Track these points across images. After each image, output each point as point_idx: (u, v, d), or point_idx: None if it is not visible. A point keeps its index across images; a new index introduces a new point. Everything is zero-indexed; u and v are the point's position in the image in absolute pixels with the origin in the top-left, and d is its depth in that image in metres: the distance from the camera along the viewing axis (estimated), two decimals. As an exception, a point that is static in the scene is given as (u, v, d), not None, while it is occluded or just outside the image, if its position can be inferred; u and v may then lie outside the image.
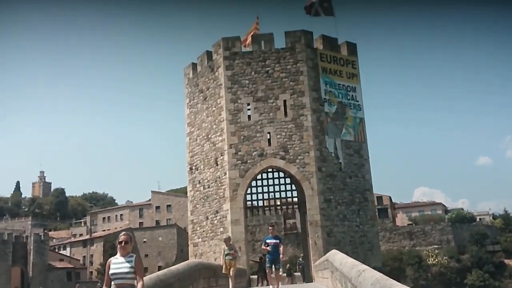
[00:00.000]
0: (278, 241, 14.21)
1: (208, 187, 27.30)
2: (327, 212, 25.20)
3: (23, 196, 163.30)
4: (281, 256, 14.09)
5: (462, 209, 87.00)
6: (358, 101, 28.18)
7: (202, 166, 28.17)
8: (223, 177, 26.08)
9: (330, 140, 26.46)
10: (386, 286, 4.96)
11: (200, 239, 27.55)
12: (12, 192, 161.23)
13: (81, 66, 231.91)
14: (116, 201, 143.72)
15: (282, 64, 26.94)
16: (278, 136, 26.04)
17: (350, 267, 7.95)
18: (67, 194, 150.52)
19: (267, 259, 14.81)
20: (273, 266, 14.37)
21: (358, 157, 27.46)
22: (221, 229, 25.76)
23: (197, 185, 28.43)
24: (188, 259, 29.85)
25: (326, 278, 14.45)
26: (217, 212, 26.28)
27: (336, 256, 11.08)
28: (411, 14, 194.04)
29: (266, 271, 14.93)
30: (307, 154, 25.68)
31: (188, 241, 29.27)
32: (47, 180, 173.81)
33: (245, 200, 26.03)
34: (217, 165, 26.72)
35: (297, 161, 25.66)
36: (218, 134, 26.94)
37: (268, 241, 14.29)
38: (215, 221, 26.37)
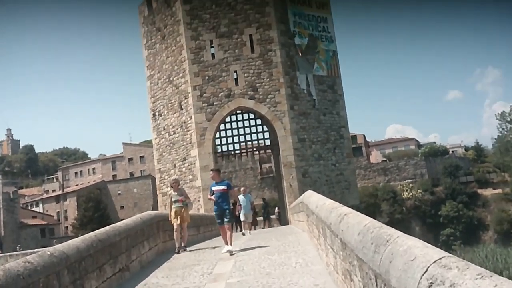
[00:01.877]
0: (225, 187, 12.93)
1: (174, 133, 25.49)
2: (302, 152, 23.86)
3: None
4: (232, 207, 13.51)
5: (435, 142, 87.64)
6: (330, 33, 26.25)
7: (166, 112, 26.20)
8: (189, 122, 24.26)
9: (301, 76, 24.70)
10: (382, 237, 3.37)
11: (168, 188, 25.95)
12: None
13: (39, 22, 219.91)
14: (88, 156, 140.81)
15: (246, -6, 24.59)
16: (246, 75, 24.13)
17: (328, 211, 6.47)
18: (36, 151, 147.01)
19: (214, 212, 13.19)
20: (224, 219, 12.91)
21: (332, 93, 25.90)
22: (190, 176, 24.25)
23: (162, 132, 26.56)
24: (158, 210, 28.60)
25: (302, 221, 13.18)
26: (184, 159, 24.65)
27: (312, 197, 9.62)
28: None
29: (222, 223, 13.87)
30: (277, 92, 23.95)
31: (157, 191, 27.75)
32: (15, 137, 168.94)
33: (214, 145, 24.41)
34: (181, 109, 24.79)
35: (268, 100, 23.96)
36: (180, 75, 24.82)
37: (213, 188, 12.65)
38: (183, 169, 24.79)
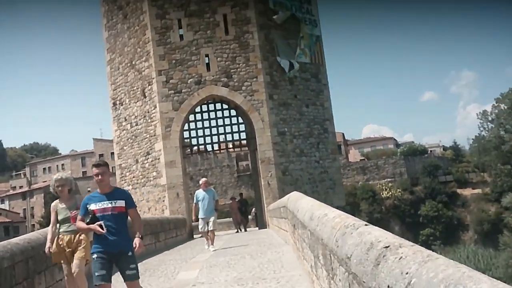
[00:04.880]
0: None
1: (136, 125, 22.41)
2: (281, 147, 21.10)
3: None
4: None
5: (413, 142, 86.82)
6: (313, 16, 23.55)
7: (127, 100, 23.08)
8: (153, 111, 21.23)
9: (284, 61, 21.92)
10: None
11: (130, 187, 22.91)
12: None
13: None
14: (59, 151, 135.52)
15: (220, -32, 21.69)
16: (219, 59, 21.25)
17: (340, 233, 3.75)
18: (5, 146, 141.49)
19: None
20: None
21: (315, 82, 23.21)
22: (154, 173, 21.25)
23: (123, 123, 23.44)
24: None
25: (284, 230, 10.44)
26: (148, 153, 21.61)
27: (300, 202, 6.87)
28: None
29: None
30: (255, 79, 21.14)
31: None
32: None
33: (182, 138, 21.43)
34: (144, 97, 21.73)
35: (243, 88, 21.13)
36: (144, 59, 21.76)
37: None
38: (147, 164, 21.75)
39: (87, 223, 4.56)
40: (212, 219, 11.34)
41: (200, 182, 12.21)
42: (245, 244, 11.89)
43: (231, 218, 23.36)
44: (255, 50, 21.24)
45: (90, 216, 4.60)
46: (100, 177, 4.67)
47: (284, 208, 9.47)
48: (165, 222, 14.81)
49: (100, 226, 4.51)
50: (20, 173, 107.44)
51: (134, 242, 4.70)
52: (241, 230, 21.05)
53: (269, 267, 7.23)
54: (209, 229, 11.37)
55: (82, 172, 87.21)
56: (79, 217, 4.80)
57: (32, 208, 79.13)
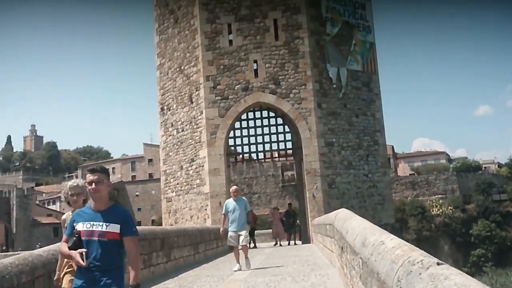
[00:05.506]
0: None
1: (182, 130, 22.21)
2: (329, 158, 20.23)
3: (14, 150, 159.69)
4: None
5: (467, 157, 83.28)
6: (368, 22, 22.62)
7: (174, 105, 22.95)
8: (199, 117, 20.95)
9: (332, 69, 21.12)
10: None
11: (174, 193, 22.72)
12: (3, 147, 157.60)
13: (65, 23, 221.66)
14: (111, 155, 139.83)
15: (272, -28, 21.22)
16: (267, 65, 20.73)
17: (404, 271, 3.02)
18: (59, 148, 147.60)
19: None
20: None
21: (367, 91, 22.23)
22: (198, 180, 20.91)
23: (170, 129, 23.32)
24: (161, 216, 25.44)
25: (330, 250, 9.67)
26: (192, 160, 21.32)
27: (349, 223, 6.11)
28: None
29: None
30: (303, 87, 20.46)
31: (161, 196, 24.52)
32: (38, 133, 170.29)
33: (227, 146, 20.99)
34: (191, 102, 21.51)
35: (291, 96, 20.48)
36: (192, 64, 21.56)
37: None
38: (191, 171, 21.45)
39: (69, 248, 3.42)
40: (243, 233, 10.14)
41: (231, 190, 11.06)
42: (287, 262, 11.13)
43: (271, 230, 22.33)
44: (305, 57, 20.58)
45: (74, 238, 3.44)
46: (94, 186, 3.51)
47: (330, 226, 8.72)
48: (206, 232, 14.33)
49: (82, 254, 3.32)
50: (73, 175, 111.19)
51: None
52: (280, 244, 19.85)
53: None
54: (241, 244, 10.14)
55: (132, 176, 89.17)
56: (64, 237, 3.74)
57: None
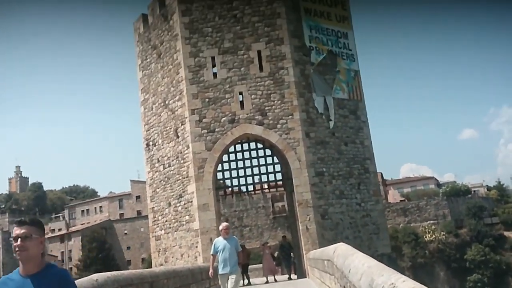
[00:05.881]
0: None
1: (169, 166, 21.67)
2: (320, 188, 19.80)
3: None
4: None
5: (455, 182, 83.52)
6: (351, 50, 22.67)
7: (160, 141, 22.48)
8: (186, 152, 20.47)
9: (319, 98, 20.96)
10: None
11: (162, 231, 21.98)
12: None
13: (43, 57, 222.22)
14: (98, 194, 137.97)
15: (254, 5, 21.23)
16: (253, 96, 20.50)
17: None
18: (45, 188, 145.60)
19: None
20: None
21: (354, 119, 22.04)
22: (187, 217, 20.25)
23: (156, 165, 22.78)
24: (151, 255, 24.47)
25: (328, 287, 9.10)
26: (180, 196, 20.72)
27: (352, 261, 5.62)
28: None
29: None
30: (290, 117, 20.21)
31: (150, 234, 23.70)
32: (23, 175, 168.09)
33: (215, 180, 20.47)
34: (177, 137, 21.07)
35: (279, 126, 20.19)
36: (177, 98, 21.24)
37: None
38: (179, 208, 20.81)
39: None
40: (233, 277, 9.41)
41: (220, 227, 10.24)
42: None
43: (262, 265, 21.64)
44: (291, 87, 20.42)
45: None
46: (20, 242, 2.77)
47: (329, 262, 8.20)
48: (197, 271, 13.62)
49: None
50: (59, 216, 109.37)
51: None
52: (275, 279, 19.15)
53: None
54: None
55: (119, 214, 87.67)
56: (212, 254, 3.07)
57: (70, 251, 79.49)
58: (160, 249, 22.13)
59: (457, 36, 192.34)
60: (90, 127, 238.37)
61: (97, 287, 6.06)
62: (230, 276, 9.38)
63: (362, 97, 22.73)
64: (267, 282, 18.93)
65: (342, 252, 6.74)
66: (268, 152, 21.12)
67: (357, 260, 5.42)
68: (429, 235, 59.92)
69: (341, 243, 8.18)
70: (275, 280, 19.00)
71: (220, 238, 9.97)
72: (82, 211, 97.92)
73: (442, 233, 60.18)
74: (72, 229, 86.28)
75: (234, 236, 10.40)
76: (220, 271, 9.51)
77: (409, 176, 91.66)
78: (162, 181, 22.22)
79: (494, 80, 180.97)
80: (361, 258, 5.45)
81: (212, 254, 9.97)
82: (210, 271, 9.98)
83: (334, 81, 21.75)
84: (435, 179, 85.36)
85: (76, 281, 5.86)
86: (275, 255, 24.53)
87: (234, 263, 9.55)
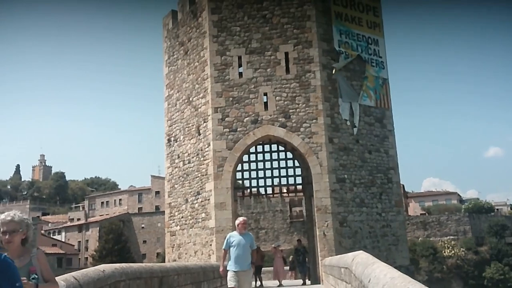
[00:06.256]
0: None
1: (189, 162, 21.60)
2: (340, 195, 19.44)
3: (22, 179, 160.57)
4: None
5: (478, 199, 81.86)
6: (381, 57, 22.24)
7: (181, 137, 22.45)
8: (206, 149, 20.37)
9: (344, 104, 20.61)
10: None
11: (178, 227, 21.93)
12: (11, 176, 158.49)
13: (73, 53, 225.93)
14: (118, 186, 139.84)
15: (284, 6, 21.01)
16: (278, 98, 20.28)
17: None
18: (68, 178, 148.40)
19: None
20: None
21: (380, 127, 21.59)
22: (203, 214, 20.14)
23: (176, 160, 22.74)
24: (165, 250, 24.45)
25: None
26: (198, 193, 20.62)
27: (373, 271, 5.33)
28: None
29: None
30: (314, 121, 19.91)
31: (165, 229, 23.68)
32: (47, 164, 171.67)
33: (234, 179, 20.31)
34: (199, 134, 20.99)
35: (302, 129, 19.91)
36: (201, 95, 21.16)
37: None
38: (196, 205, 20.72)
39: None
40: (245, 276, 8.64)
41: (237, 222, 9.21)
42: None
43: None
44: (316, 91, 20.12)
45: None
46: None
47: (346, 270, 7.92)
48: (209, 269, 13.46)
49: None
50: (79, 206, 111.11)
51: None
52: (280, 283, 18.87)
53: None
54: None
55: (138, 208, 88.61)
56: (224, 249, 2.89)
57: (87, 241, 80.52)
58: (174, 244, 22.08)
59: (487, 49, 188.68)
60: (115, 120, 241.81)
61: (103, 278, 5.91)
62: (241, 275, 8.65)
63: (389, 105, 22.28)
64: (280, 285, 18.68)
65: (362, 261, 6.46)
66: (289, 155, 20.87)
67: (378, 270, 5.14)
68: (448, 250, 59.07)
69: (361, 251, 7.88)
70: (280, 284, 18.72)
71: (235, 232, 9.15)
72: (102, 202, 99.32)
73: (461, 249, 59.28)
74: (91, 219, 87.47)
75: (250, 233, 9.49)
76: (231, 268, 8.75)
77: (432, 190, 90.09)
78: (181, 177, 22.17)
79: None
80: (383, 268, 5.17)
81: (224, 249, 9.09)
82: (221, 268, 9.23)
83: (362, 88, 21.36)
84: (458, 194, 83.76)
85: (82, 271, 5.74)
86: (290, 259, 24.29)
87: (247, 261, 8.78)
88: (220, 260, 10.57)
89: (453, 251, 58.92)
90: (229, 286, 8.69)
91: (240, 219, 9.21)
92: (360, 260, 6.64)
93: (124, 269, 7.11)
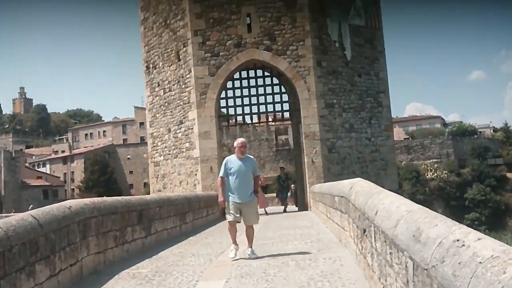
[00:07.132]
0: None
1: (170, 90, 20.46)
2: (329, 120, 18.71)
3: (3, 113, 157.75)
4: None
5: (462, 122, 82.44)
6: (371, -27, 20.67)
7: (161, 63, 21.10)
8: (187, 76, 19.18)
9: (333, 24, 19.30)
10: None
11: (162, 157, 21.20)
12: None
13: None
14: (102, 118, 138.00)
15: None
16: (262, 19, 18.87)
17: None
18: (50, 111, 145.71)
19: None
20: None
21: (370, 49, 20.50)
22: (187, 144, 19.36)
23: (156, 89, 21.55)
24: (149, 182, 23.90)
25: (339, 226, 8.26)
26: (181, 122, 19.70)
27: (380, 202, 4.56)
28: None
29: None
30: (301, 43, 18.69)
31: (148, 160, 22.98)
32: (28, 96, 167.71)
33: (218, 107, 19.33)
34: (179, 60, 19.68)
35: (288, 53, 18.73)
36: (179, 17, 19.60)
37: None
38: (179, 134, 19.86)
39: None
40: (250, 206, 7.23)
41: (235, 144, 7.50)
42: (286, 236, 9.69)
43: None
44: (303, 10, 18.71)
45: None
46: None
47: (342, 199, 7.26)
48: (194, 200, 12.89)
49: None
50: (63, 138, 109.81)
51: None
52: (265, 211, 18.65)
53: (325, 287, 5.07)
54: (247, 224, 7.26)
55: (123, 139, 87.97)
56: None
57: (73, 172, 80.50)
58: (158, 175, 21.47)
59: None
60: (96, 51, 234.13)
61: (69, 215, 5.13)
62: (244, 207, 7.24)
63: (380, 25, 21.04)
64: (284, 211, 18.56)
65: (363, 189, 5.73)
66: (275, 80, 19.81)
67: (387, 201, 4.38)
68: (431, 173, 60.07)
69: (359, 178, 7.15)
70: (266, 213, 18.25)
71: (233, 157, 7.47)
72: (86, 134, 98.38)
73: (444, 171, 60.29)
74: (76, 151, 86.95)
75: (251, 157, 7.77)
76: (232, 199, 7.23)
77: (415, 115, 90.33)
78: (162, 106, 21.12)
79: (507, 21, 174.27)
80: (393, 198, 4.41)
81: (221, 177, 7.48)
82: (220, 198, 7.41)
83: (352, 6, 19.95)
84: (442, 118, 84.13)
85: (44, 208, 4.94)
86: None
87: (250, 191, 7.31)
88: (216, 189, 9.22)
89: (435, 174, 59.82)
90: (228, 220, 7.35)
91: (239, 140, 7.62)
92: (361, 189, 5.91)
93: (96, 204, 6.34)
